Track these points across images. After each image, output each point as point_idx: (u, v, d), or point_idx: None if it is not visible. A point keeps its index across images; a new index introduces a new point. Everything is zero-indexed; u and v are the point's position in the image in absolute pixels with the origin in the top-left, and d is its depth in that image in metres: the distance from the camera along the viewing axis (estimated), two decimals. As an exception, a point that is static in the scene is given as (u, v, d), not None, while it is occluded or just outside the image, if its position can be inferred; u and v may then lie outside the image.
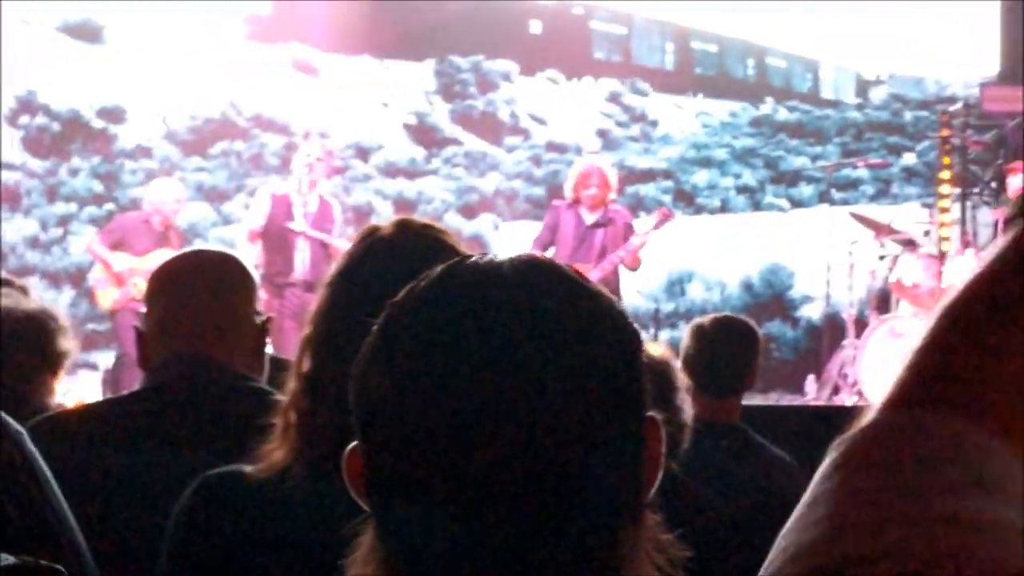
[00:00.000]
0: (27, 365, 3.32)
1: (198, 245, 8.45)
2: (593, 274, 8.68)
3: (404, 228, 2.10)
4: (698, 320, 4.65)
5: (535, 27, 16.87)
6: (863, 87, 18.30)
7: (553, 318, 1.16)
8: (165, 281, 2.86)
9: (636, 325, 1.25)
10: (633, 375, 1.19)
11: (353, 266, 2.07)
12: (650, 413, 1.20)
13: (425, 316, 1.17)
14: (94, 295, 10.42)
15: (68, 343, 3.40)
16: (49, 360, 3.37)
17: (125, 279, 9.85)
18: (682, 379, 3.44)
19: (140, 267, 9.68)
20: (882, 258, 9.76)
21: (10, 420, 2.20)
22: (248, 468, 1.97)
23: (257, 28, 15.87)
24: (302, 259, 9.46)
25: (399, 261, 1.95)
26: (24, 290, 3.95)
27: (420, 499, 1.15)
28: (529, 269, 1.20)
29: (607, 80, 17.37)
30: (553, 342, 1.14)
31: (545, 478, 1.12)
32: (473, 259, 1.23)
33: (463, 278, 1.19)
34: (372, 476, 1.19)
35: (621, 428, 1.17)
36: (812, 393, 10.00)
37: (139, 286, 9.59)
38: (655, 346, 3.60)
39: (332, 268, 2.11)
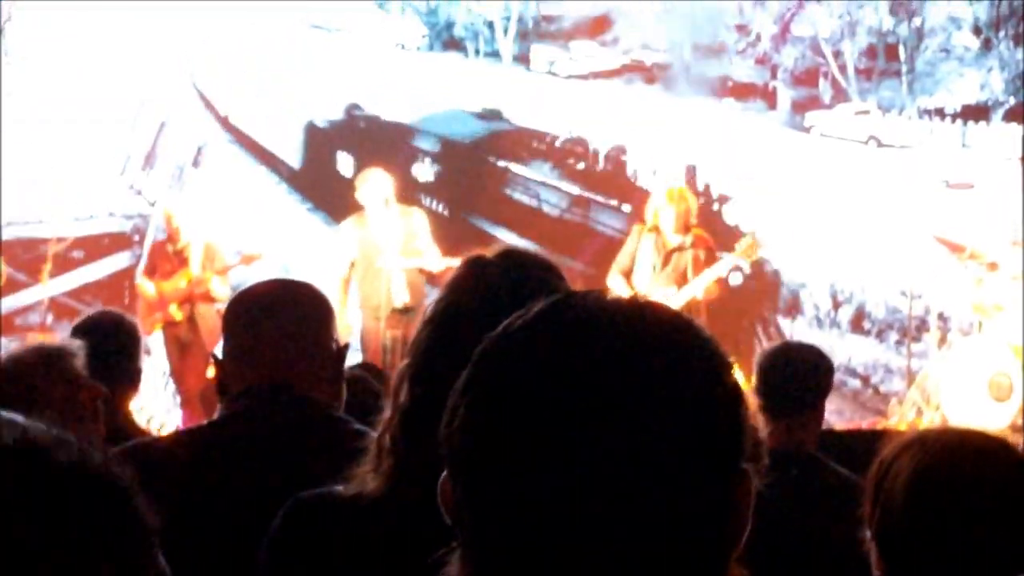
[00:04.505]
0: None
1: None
2: (678, 298, 8.72)
3: (510, 260, 2.06)
4: (764, 349, 4.69)
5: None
6: None
7: (657, 365, 1.12)
8: (243, 310, 2.86)
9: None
10: (734, 426, 1.15)
11: (456, 299, 2.03)
12: (743, 466, 1.16)
13: (522, 358, 1.14)
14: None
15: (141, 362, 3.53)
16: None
17: (155, 308, 9.67)
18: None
19: (167, 291, 9.64)
20: (965, 280, 9.67)
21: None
22: (340, 489, 1.97)
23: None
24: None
25: (504, 296, 1.91)
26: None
27: (509, 534, 1.12)
28: (636, 312, 1.16)
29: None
30: (656, 389, 1.11)
31: (640, 524, 1.09)
32: (577, 297, 1.19)
33: (565, 319, 1.16)
34: (459, 508, 1.17)
35: (716, 478, 1.13)
36: (896, 416, 9.90)
37: (172, 311, 9.60)
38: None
39: (435, 299, 2.07)
